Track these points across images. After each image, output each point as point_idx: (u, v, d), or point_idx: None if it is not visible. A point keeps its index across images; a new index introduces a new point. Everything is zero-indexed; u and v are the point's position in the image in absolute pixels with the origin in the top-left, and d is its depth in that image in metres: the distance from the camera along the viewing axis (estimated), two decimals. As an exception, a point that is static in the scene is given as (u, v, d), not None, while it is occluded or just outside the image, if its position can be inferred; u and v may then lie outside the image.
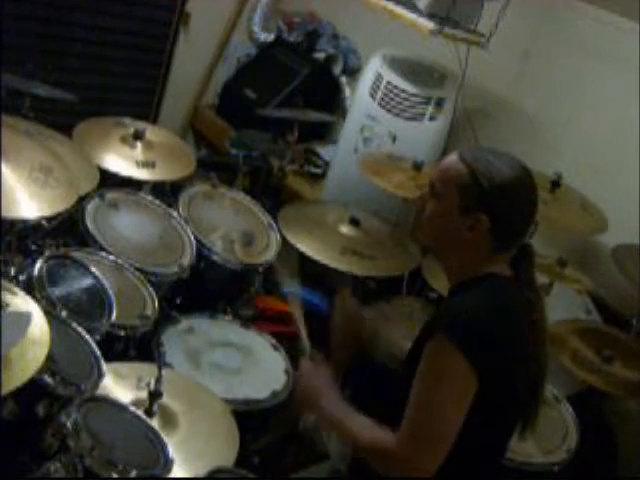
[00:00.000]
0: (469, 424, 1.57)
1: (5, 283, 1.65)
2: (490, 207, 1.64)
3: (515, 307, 1.68)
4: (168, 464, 1.59)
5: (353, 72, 4.11)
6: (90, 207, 2.41)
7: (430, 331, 1.63)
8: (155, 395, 1.75)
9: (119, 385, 1.83)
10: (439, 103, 3.35)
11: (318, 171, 3.80)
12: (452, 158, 1.70)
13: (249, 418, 2.07)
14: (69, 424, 1.53)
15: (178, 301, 2.51)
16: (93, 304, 1.98)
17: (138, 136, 2.78)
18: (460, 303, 1.67)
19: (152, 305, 2.24)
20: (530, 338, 1.68)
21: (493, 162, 1.66)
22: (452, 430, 1.56)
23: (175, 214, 2.60)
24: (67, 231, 2.34)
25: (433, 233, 1.74)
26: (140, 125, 2.84)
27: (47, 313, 1.61)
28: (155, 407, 1.76)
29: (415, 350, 1.69)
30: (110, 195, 2.51)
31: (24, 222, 2.04)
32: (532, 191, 1.69)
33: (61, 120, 2.70)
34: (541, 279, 1.96)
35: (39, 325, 1.54)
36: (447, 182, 1.68)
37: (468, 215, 1.65)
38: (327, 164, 3.77)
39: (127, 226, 2.47)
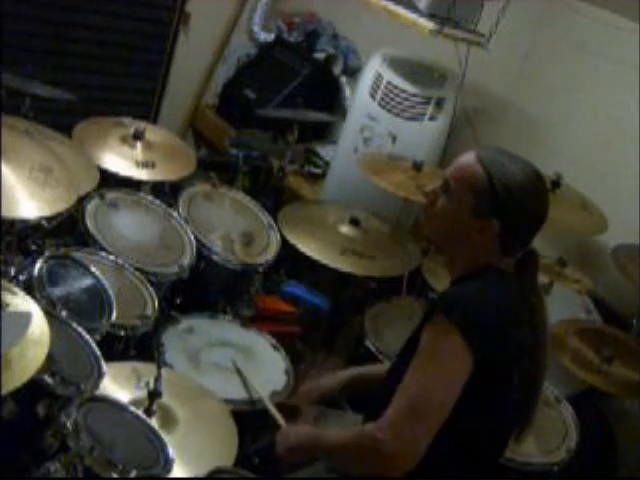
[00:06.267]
0: (465, 416, 1.56)
1: (5, 283, 1.65)
2: (503, 213, 1.64)
3: (515, 299, 1.68)
4: (168, 464, 1.58)
5: (353, 72, 4.11)
6: (90, 207, 2.41)
7: (428, 317, 1.63)
8: (154, 395, 1.75)
9: (119, 385, 1.83)
10: (439, 103, 3.35)
11: (318, 171, 3.80)
12: (469, 158, 1.69)
13: (249, 418, 2.07)
14: (69, 424, 1.53)
15: (178, 301, 2.51)
16: (93, 304, 1.98)
17: (138, 136, 2.78)
18: (460, 289, 1.68)
19: (152, 305, 2.24)
20: (529, 335, 1.68)
21: (510, 168, 1.66)
22: (441, 409, 1.54)
23: (175, 214, 2.60)
24: (67, 231, 2.34)
25: (441, 229, 1.74)
26: (140, 125, 2.83)
27: (47, 313, 1.61)
28: (154, 407, 1.76)
29: (412, 340, 1.68)
30: (110, 195, 2.51)
31: (24, 222, 2.04)
32: (544, 200, 1.70)
33: (61, 120, 2.70)
34: (541, 279, 1.96)
35: (39, 325, 1.54)
36: (463, 183, 1.67)
37: (480, 218, 1.65)
38: (327, 164, 3.77)
39: (127, 226, 2.47)
